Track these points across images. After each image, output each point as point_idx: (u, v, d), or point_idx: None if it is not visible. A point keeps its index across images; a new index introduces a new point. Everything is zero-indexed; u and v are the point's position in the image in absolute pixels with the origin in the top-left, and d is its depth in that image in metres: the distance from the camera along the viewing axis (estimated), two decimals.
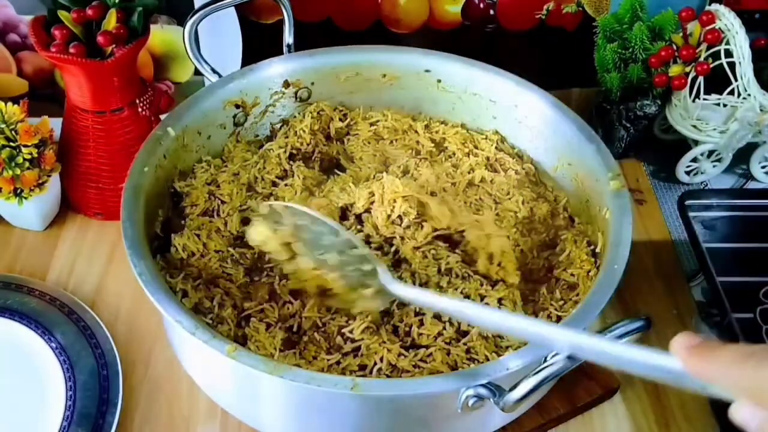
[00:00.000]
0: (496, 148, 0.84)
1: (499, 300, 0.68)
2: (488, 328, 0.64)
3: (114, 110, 0.84)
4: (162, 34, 0.92)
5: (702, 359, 0.43)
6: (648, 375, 0.46)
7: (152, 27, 0.84)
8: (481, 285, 0.69)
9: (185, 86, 0.97)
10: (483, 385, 0.56)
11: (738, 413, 0.42)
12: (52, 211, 0.89)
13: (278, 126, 0.86)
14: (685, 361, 0.43)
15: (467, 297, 0.68)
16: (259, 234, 0.68)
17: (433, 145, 0.85)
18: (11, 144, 0.80)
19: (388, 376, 0.64)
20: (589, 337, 0.50)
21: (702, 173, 0.99)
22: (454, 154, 0.84)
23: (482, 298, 0.69)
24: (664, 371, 0.45)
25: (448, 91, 0.86)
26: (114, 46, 0.79)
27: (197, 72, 0.93)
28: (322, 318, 0.68)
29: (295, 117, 0.86)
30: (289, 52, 0.86)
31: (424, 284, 0.69)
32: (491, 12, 0.99)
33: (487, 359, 0.65)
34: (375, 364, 0.64)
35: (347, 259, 0.65)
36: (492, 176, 0.81)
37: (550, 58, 1.03)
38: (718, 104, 0.92)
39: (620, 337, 0.56)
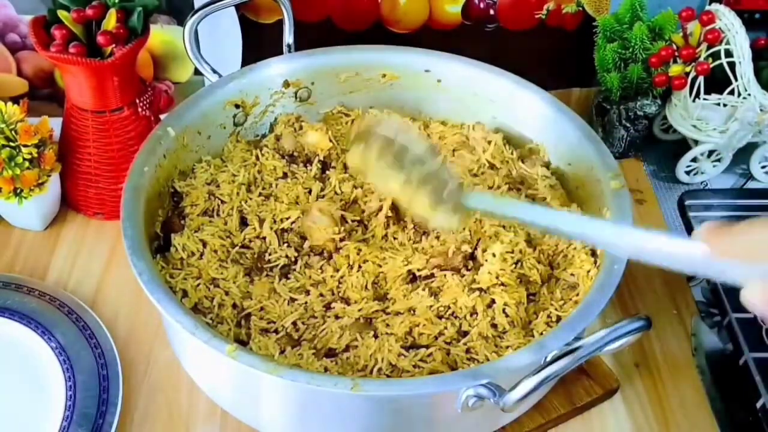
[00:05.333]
0: (496, 147, 0.84)
1: (505, 303, 0.68)
2: (563, 233, 0.65)
3: (114, 110, 0.84)
4: (162, 34, 0.92)
5: (722, 235, 0.47)
6: (673, 264, 0.49)
7: (152, 27, 0.83)
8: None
9: (185, 86, 0.96)
10: (483, 385, 0.56)
11: (748, 294, 0.45)
12: (52, 211, 0.89)
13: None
14: (709, 240, 0.47)
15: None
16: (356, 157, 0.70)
17: None
18: (11, 144, 0.80)
19: (388, 376, 0.64)
20: (613, 228, 0.56)
21: (702, 173, 0.99)
22: (453, 153, 0.84)
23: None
24: (688, 257, 0.49)
25: (448, 91, 0.86)
26: (114, 46, 0.79)
27: (197, 72, 0.93)
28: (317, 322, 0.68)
29: None
30: (289, 52, 0.86)
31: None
32: (491, 12, 0.99)
33: (487, 359, 0.65)
34: (375, 364, 0.64)
35: (429, 176, 0.67)
36: (492, 175, 0.81)
37: (550, 58, 1.03)
38: (718, 104, 0.92)
39: (620, 337, 0.56)
